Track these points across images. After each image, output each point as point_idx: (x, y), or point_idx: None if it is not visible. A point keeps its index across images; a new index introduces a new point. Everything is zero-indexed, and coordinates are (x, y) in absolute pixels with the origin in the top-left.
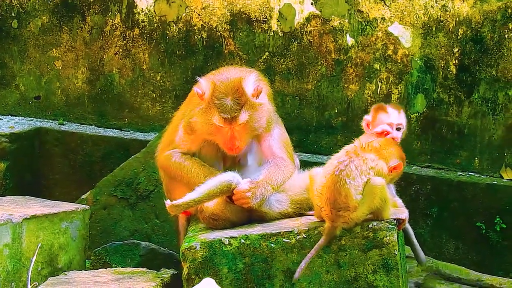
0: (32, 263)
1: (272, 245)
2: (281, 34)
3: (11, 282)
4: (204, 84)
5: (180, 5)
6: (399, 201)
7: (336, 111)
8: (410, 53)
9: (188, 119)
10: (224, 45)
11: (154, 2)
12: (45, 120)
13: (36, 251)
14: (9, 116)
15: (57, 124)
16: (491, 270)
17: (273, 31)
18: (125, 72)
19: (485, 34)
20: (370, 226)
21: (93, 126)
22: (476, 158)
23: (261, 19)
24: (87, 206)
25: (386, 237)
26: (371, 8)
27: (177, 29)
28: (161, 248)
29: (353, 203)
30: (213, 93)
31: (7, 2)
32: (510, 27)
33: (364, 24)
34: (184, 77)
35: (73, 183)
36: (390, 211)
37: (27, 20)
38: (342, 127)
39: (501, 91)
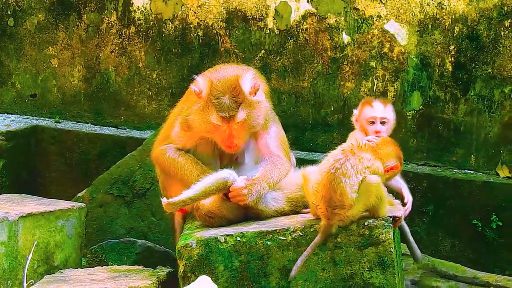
0: (28, 261)
1: (268, 242)
2: (277, 31)
3: (7, 280)
4: (201, 83)
5: (176, 3)
6: (406, 191)
7: (332, 108)
8: (406, 51)
9: (185, 116)
10: (220, 43)
11: (150, 0)
12: (41, 118)
13: (32, 249)
14: (5, 114)
15: (53, 122)
16: (487, 267)
17: (269, 28)
18: (121, 70)
19: (481, 31)
20: (366, 223)
21: (89, 124)
22: (472, 156)
23: (257, 16)
24: (83, 204)
25: (382, 234)
26: (367, 5)
27: (173, 27)
28: (157, 246)
29: (349, 201)
30: (210, 92)
31: (3, 0)
32: (506, 25)
33: (360, 21)
34: (180, 75)
35: (69, 181)
36: (386, 209)
37: (23, 18)
38: (338, 125)
39: (497, 88)
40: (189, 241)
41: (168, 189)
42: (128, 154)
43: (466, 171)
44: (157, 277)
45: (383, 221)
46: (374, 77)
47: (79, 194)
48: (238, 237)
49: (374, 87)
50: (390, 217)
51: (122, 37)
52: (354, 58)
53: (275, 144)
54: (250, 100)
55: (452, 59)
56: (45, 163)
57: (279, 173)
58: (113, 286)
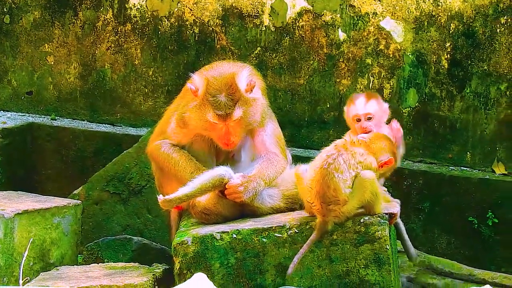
0: (24, 258)
1: (264, 239)
2: (273, 29)
3: (3, 277)
4: (197, 80)
5: (172, 0)
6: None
7: (328, 106)
8: (402, 48)
9: (181, 113)
10: (216, 40)
11: None
12: (37, 116)
13: (28, 246)
14: (1, 111)
15: (49, 119)
16: (483, 264)
17: (265, 26)
18: (117, 67)
19: (477, 28)
20: (361, 220)
21: (85, 121)
22: (468, 153)
23: (253, 14)
24: (79, 201)
25: (378, 231)
26: (363, 2)
27: (169, 24)
28: (153, 243)
29: (343, 197)
30: (206, 90)
31: None
32: (502, 22)
33: (356, 18)
34: (176, 72)
35: (65, 178)
36: (381, 206)
37: (19, 15)
38: (334, 122)
39: (493, 85)
40: (185, 238)
41: (164, 186)
42: (124, 152)
43: (462, 168)
44: (153, 274)
45: (378, 218)
46: (370, 74)
47: (75, 191)
48: (234, 234)
49: (370, 84)
50: (386, 214)
51: (118, 35)
52: (350, 55)
53: (271, 141)
54: (246, 97)
55: (448, 56)
56: (41, 160)
57: (275, 170)
58: (109, 283)
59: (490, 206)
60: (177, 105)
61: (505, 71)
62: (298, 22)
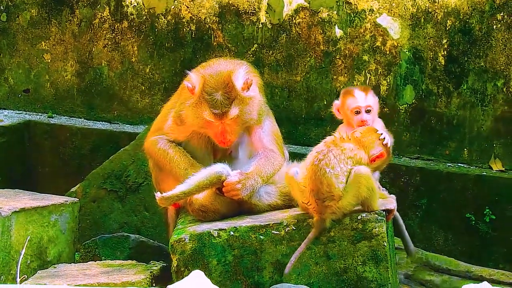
0: (21, 256)
1: (261, 237)
2: (269, 26)
3: (0, 276)
4: (194, 78)
5: None
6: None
7: (325, 102)
8: (398, 45)
9: (178, 110)
10: (212, 37)
11: None
12: (34, 113)
13: (25, 244)
14: None
15: (46, 117)
16: (481, 261)
17: (261, 23)
18: (114, 65)
19: (473, 25)
20: (359, 217)
21: (82, 119)
22: (465, 149)
23: (249, 11)
24: (76, 199)
25: (375, 228)
26: None
27: (166, 21)
28: (151, 240)
29: (337, 192)
30: (203, 88)
31: None
32: (498, 18)
33: (352, 15)
34: (173, 69)
35: (62, 176)
36: (378, 202)
37: (16, 13)
38: (331, 119)
39: (490, 82)
40: (182, 236)
41: (161, 183)
42: (121, 149)
43: (459, 164)
44: (151, 272)
45: (376, 215)
46: (366, 71)
47: (72, 189)
48: (231, 232)
49: (367, 81)
50: (383, 210)
51: (115, 32)
52: (347, 52)
53: (268, 138)
54: (242, 96)
55: (445, 52)
56: (38, 158)
57: (273, 168)
58: (106, 281)
59: (487, 202)
60: (174, 102)
61: (502, 68)
62: (294, 19)
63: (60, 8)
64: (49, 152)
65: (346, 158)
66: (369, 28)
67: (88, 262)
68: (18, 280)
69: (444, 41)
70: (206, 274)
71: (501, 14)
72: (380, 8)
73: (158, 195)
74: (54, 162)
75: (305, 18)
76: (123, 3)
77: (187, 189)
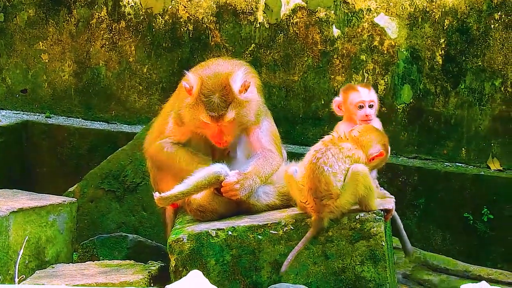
0: (20, 256)
1: (260, 237)
2: (267, 25)
3: None
4: (191, 79)
5: None
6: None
7: (323, 102)
8: (396, 44)
9: (177, 110)
10: (210, 37)
11: None
12: (32, 113)
13: (23, 244)
14: None
15: (44, 117)
16: (479, 260)
17: (259, 22)
18: (111, 65)
19: (471, 24)
20: (357, 217)
21: (80, 119)
22: (463, 149)
23: (247, 10)
24: (74, 199)
25: (373, 228)
26: None
27: (163, 21)
28: (149, 240)
29: (335, 190)
30: (200, 90)
31: None
32: (496, 17)
33: (350, 15)
34: (171, 69)
35: (60, 176)
36: (376, 201)
37: (14, 13)
38: (329, 118)
39: (488, 81)
40: (181, 236)
41: (159, 183)
42: (119, 149)
43: (457, 164)
44: (149, 272)
45: (374, 215)
46: (364, 71)
47: (70, 189)
48: (229, 232)
49: (364, 81)
50: (381, 210)
51: (112, 32)
52: (344, 51)
53: (267, 138)
54: (239, 99)
55: (442, 52)
56: (36, 158)
57: (271, 168)
58: (104, 281)
59: (485, 202)
60: (173, 103)
61: (500, 67)
62: (292, 18)
63: (57, 8)
64: (47, 152)
65: (345, 157)
66: (367, 28)
67: (86, 262)
68: (17, 280)
69: (442, 40)
70: (204, 274)
71: (499, 13)
72: (377, 7)
73: (156, 195)
74: (52, 162)
75: (302, 17)
76: (120, 3)
77: (186, 189)
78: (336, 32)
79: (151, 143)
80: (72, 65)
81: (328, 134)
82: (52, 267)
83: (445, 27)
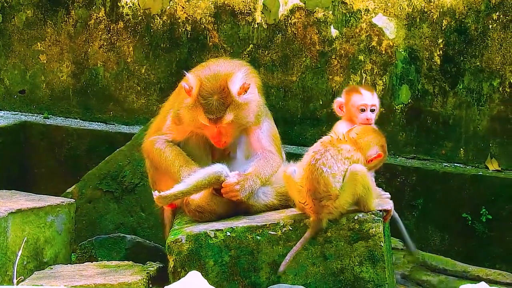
0: (18, 257)
1: (258, 237)
2: (265, 26)
3: None
4: (191, 80)
5: None
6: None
7: (321, 102)
8: (394, 44)
9: (176, 110)
10: (208, 38)
11: None
12: (30, 114)
13: (22, 245)
14: None
15: (42, 118)
16: (477, 261)
17: (257, 23)
18: (109, 66)
19: (469, 24)
20: (356, 218)
21: (78, 120)
22: (461, 149)
23: (245, 11)
24: (72, 200)
25: (372, 228)
26: None
27: (161, 22)
28: (147, 241)
29: (334, 191)
30: (199, 92)
31: None
32: (494, 18)
33: (348, 15)
34: (169, 70)
35: (58, 177)
36: (375, 202)
37: (12, 14)
38: (327, 119)
39: (486, 81)
40: (179, 236)
41: (158, 183)
42: (117, 150)
43: (455, 164)
44: (147, 273)
45: (373, 215)
46: (362, 71)
47: (68, 190)
48: (228, 232)
49: (363, 81)
50: (380, 211)
51: (111, 33)
52: (343, 52)
53: (267, 139)
54: (238, 101)
55: (441, 52)
56: (34, 159)
57: (271, 169)
58: (103, 281)
59: (484, 202)
60: (173, 102)
61: (498, 67)
62: (290, 19)
63: (55, 9)
64: (45, 153)
65: (343, 158)
66: (365, 28)
67: (85, 263)
68: (15, 281)
69: (440, 40)
70: (203, 275)
71: (497, 13)
72: (375, 8)
73: (155, 194)
74: (50, 163)
75: (300, 18)
76: (118, 3)
77: (185, 188)
78: (334, 32)
79: (146, 138)
80: (70, 65)
81: (326, 135)
82: (51, 268)
83: (443, 28)
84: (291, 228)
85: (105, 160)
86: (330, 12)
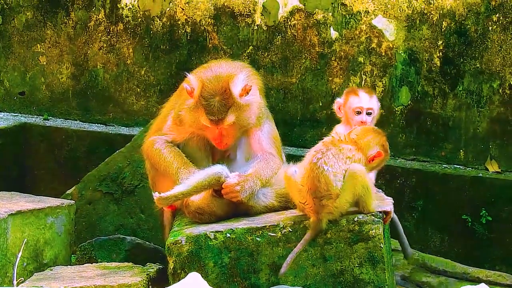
0: (18, 258)
1: (258, 239)
2: (265, 28)
3: None
4: (193, 81)
5: (164, 0)
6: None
7: (321, 104)
8: (394, 46)
9: (178, 111)
10: (208, 39)
11: None
12: (30, 116)
13: (22, 247)
14: None
15: (42, 119)
16: (477, 262)
17: (257, 25)
18: (109, 67)
19: (469, 26)
20: (355, 219)
21: (78, 121)
22: (461, 151)
23: (244, 13)
24: (72, 201)
25: (372, 230)
26: (354, 1)
27: (161, 23)
28: (147, 242)
29: (334, 191)
30: (201, 93)
31: None
32: (494, 19)
33: (348, 17)
34: (168, 71)
35: (58, 178)
36: (374, 203)
37: (11, 16)
38: (327, 121)
39: (486, 83)
40: (179, 238)
41: (158, 184)
42: (117, 151)
43: (455, 166)
44: (147, 274)
45: (372, 217)
46: (362, 73)
47: (68, 191)
48: (227, 234)
49: (363, 83)
50: (380, 212)
51: (110, 34)
52: (342, 53)
53: (267, 141)
54: (240, 103)
55: (440, 54)
56: (34, 160)
57: (271, 170)
58: (103, 283)
59: (484, 204)
60: (174, 102)
61: (498, 69)
62: (290, 21)
63: (55, 10)
64: (44, 154)
65: (345, 157)
66: (365, 30)
67: (85, 265)
68: (15, 282)
69: (440, 42)
70: (202, 276)
71: (497, 15)
72: (375, 9)
73: (156, 195)
74: (50, 164)
75: (300, 20)
76: (118, 5)
77: (186, 189)
78: (334, 34)
79: (146, 138)
80: (70, 67)
81: (326, 136)
82: (51, 270)
83: (443, 29)
84: (291, 230)
85: (105, 162)
86: (330, 13)
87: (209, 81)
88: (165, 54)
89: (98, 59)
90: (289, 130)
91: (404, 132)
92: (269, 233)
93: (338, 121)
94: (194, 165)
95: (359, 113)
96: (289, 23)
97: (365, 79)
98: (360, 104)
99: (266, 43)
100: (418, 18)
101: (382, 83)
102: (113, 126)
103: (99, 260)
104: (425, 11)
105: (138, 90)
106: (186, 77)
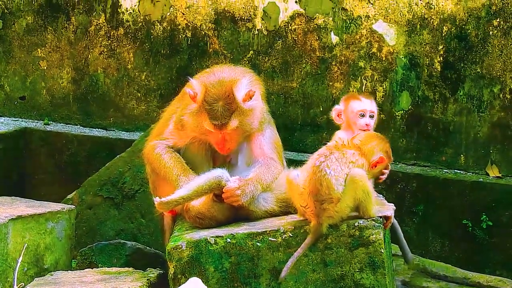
0: (18, 263)
1: (258, 244)
2: (265, 32)
3: None
4: (196, 86)
5: (165, 5)
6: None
7: (321, 109)
8: (394, 51)
9: (179, 115)
10: (208, 44)
11: (139, 2)
12: (31, 120)
13: (22, 252)
14: None
15: (43, 124)
16: (478, 267)
17: (257, 29)
18: (110, 72)
19: (469, 31)
20: (356, 224)
21: (78, 126)
22: (461, 156)
23: (245, 17)
24: (72, 206)
25: (372, 235)
26: (355, 6)
27: (162, 28)
28: (147, 247)
29: (335, 194)
30: (204, 98)
31: None
32: (495, 24)
33: (348, 22)
34: (169, 76)
35: (58, 183)
36: (375, 208)
37: (12, 20)
38: (327, 125)
39: (486, 88)
40: (179, 243)
41: (159, 189)
42: (117, 156)
43: (455, 171)
44: (147, 279)
45: (373, 222)
46: (362, 77)
47: (69, 196)
48: (228, 239)
49: (363, 87)
50: (380, 217)
51: (111, 39)
52: (343, 58)
53: (269, 146)
54: (243, 108)
55: (441, 58)
56: (35, 165)
57: (272, 175)
58: None
59: (484, 209)
60: (176, 107)
61: (498, 74)
62: (290, 25)
63: (56, 15)
64: (45, 159)
65: (348, 162)
66: (365, 35)
67: (85, 270)
68: (16, 287)
69: (440, 47)
70: (203, 281)
71: (497, 20)
72: (376, 14)
73: (157, 200)
74: (50, 169)
75: (300, 24)
76: (118, 10)
77: (186, 194)
78: (334, 39)
79: (147, 142)
80: (71, 72)
81: (327, 141)
82: (51, 275)
83: (443, 34)
84: (291, 235)
85: (105, 167)
86: (331, 18)
87: (212, 86)
88: (166, 58)
89: (98, 64)
90: (289, 135)
91: (404, 137)
92: (269, 238)
93: (338, 126)
94: (194, 172)
95: (362, 116)
96: (290, 27)
97: (366, 84)
98: (363, 107)
99: (266, 47)
100: (419, 22)
101: (383, 88)
102: (113, 130)
103: (99, 265)
104: (426, 16)
105: (139, 94)
106: (187, 81)
